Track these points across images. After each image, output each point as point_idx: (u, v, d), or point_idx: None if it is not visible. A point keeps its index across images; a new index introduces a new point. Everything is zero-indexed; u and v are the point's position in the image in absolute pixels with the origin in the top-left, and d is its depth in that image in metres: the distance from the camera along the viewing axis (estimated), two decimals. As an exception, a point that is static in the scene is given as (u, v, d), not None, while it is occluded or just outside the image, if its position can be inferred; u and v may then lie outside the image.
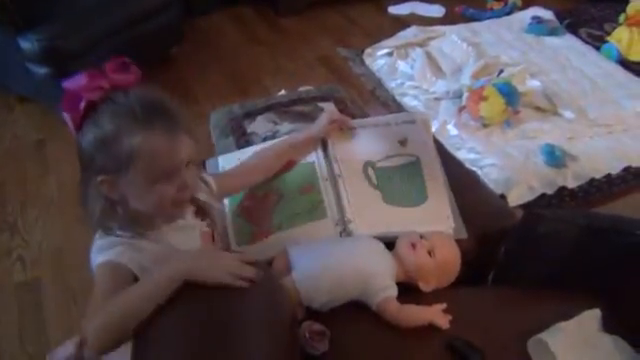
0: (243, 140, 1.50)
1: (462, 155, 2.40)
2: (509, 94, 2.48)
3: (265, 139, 1.51)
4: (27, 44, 2.27)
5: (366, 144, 1.43)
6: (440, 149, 1.50)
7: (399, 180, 1.38)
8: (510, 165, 2.34)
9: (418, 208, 1.35)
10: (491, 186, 2.23)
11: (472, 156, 2.40)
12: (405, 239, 1.21)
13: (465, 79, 2.72)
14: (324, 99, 1.62)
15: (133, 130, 0.93)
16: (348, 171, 1.38)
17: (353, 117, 1.59)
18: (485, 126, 2.53)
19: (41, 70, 2.35)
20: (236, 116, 1.58)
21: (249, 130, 1.53)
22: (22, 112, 2.60)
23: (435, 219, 1.34)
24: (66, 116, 0.97)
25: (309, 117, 1.56)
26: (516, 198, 2.22)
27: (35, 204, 2.17)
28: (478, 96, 2.50)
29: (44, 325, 1.76)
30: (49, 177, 2.29)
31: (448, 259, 1.22)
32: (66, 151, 2.40)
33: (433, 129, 2.51)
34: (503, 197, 2.21)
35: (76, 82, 0.96)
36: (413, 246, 1.19)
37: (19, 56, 2.32)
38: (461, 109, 2.58)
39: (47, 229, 2.07)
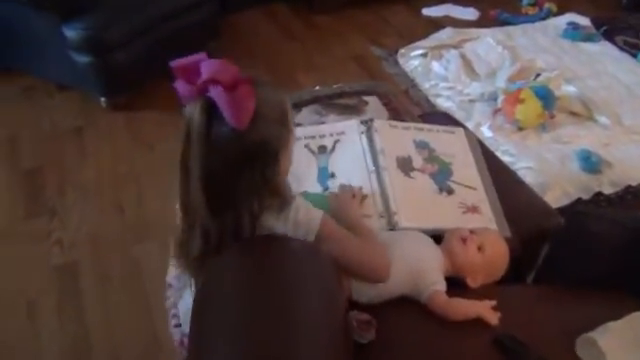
0: (288, 130, 1.51)
1: (496, 157, 2.39)
2: (546, 97, 2.46)
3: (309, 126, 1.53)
4: (71, 32, 2.32)
5: (409, 141, 1.44)
6: (486, 152, 1.51)
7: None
8: (545, 169, 2.32)
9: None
10: (526, 189, 2.24)
11: (506, 159, 2.37)
12: (455, 233, 1.21)
13: (500, 82, 2.71)
14: (368, 93, 1.63)
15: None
16: (393, 164, 1.39)
17: (397, 112, 1.60)
18: (520, 129, 2.52)
19: (83, 59, 2.40)
20: (281, 107, 1.59)
21: (294, 121, 1.54)
22: (61, 99, 2.65)
23: (479, 220, 1.34)
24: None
25: (354, 110, 1.57)
26: (551, 202, 2.18)
27: (73, 189, 2.21)
28: (514, 98, 2.49)
29: (82, 308, 1.79)
30: (87, 163, 2.32)
31: (497, 256, 1.22)
32: (103, 139, 2.45)
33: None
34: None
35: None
36: (463, 241, 1.19)
37: (62, 44, 2.37)
38: (496, 111, 2.58)
39: (85, 213, 2.11)
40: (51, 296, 1.82)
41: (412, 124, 1.51)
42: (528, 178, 2.25)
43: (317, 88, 2.60)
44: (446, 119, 1.79)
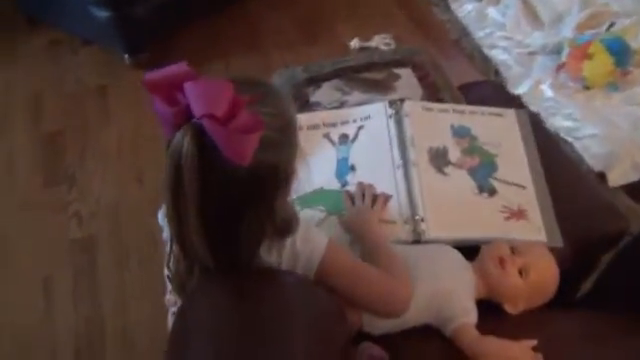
0: (305, 111, 1.31)
1: (557, 122, 2.10)
2: (620, 52, 2.12)
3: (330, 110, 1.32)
4: (88, -15, 2.14)
5: (446, 128, 1.21)
6: (543, 139, 1.26)
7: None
8: (614, 136, 2.02)
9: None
10: (589, 162, 1.96)
11: (569, 124, 2.09)
12: (493, 252, 1.01)
13: (567, 31, 2.36)
14: (401, 64, 1.39)
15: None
16: (424, 157, 1.18)
17: (435, 87, 1.36)
18: (586, 88, 2.19)
19: (102, 13, 2.23)
20: (299, 81, 1.38)
21: (312, 99, 1.33)
22: (86, 55, 2.50)
23: (525, 229, 1.12)
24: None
25: (382, 86, 1.34)
26: (618, 177, 1.92)
27: (94, 155, 2.10)
28: (582, 53, 2.15)
29: (97, 287, 1.72)
30: (109, 127, 2.20)
31: (543, 281, 1.02)
32: (127, 100, 2.32)
33: (524, 89, 2.28)
34: (602, 176, 1.92)
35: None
36: (502, 263, 0.99)
37: (81, -2, 2.21)
38: (559, 67, 2.25)
39: (105, 183, 2.01)
40: (67, 274, 1.75)
41: (451, 105, 1.27)
42: (593, 148, 2.00)
43: (355, 41, 2.38)
44: (493, 89, 1.55)
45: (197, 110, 0.72)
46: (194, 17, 2.52)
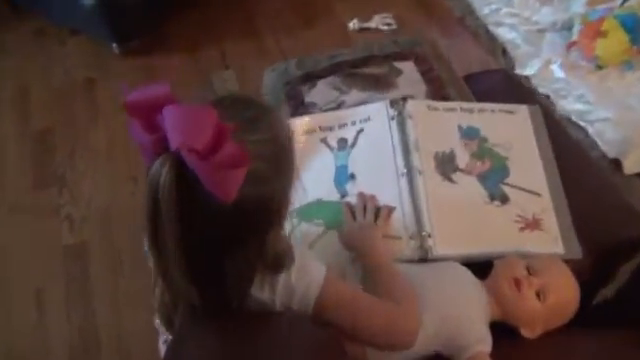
0: (300, 112, 1.22)
1: (568, 105, 2.00)
2: (635, 29, 1.99)
3: (326, 112, 1.22)
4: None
5: (453, 129, 1.12)
6: (555, 133, 1.16)
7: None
8: (629, 120, 1.91)
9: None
10: (603, 148, 1.86)
11: (580, 107, 1.98)
12: (507, 272, 0.93)
13: (578, 6, 2.22)
14: (402, 57, 1.28)
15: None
16: (430, 163, 1.09)
17: (440, 81, 1.26)
18: (599, 68, 2.07)
19: (87, 1, 2.11)
20: (293, 79, 1.28)
21: (307, 99, 1.23)
22: (73, 46, 2.39)
23: (541, 240, 1.03)
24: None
25: (383, 83, 1.24)
26: (634, 164, 1.83)
27: (84, 154, 2.02)
28: (594, 30, 2.03)
29: (90, 295, 1.65)
30: (99, 123, 2.11)
31: (562, 303, 0.93)
32: (117, 92, 2.20)
33: (533, 70, 2.16)
34: (617, 163, 1.83)
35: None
36: (518, 285, 0.91)
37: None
38: (570, 45, 2.13)
39: (96, 183, 1.93)
40: (60, 283, 1.68)
41: (458, 104, 1.17)
42: (607, 133, 1.89)
43: (354, 22, 2.26)
44: (502, 79, 1.44)
45: (174, 141, 0.63)
46: (185, 2, 2.40)
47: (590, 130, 1.92)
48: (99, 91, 2.22)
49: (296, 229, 1.08)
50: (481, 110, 1.16)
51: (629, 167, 1.81)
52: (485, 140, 1.13)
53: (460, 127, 1.14)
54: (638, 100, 1.97)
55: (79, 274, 1.70)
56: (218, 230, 0.70)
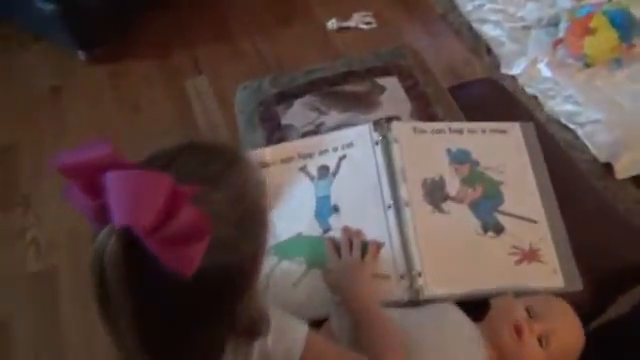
0: (276, 136, 1.12)
1: (557, 106, 1.93)
2: (624, 26, 1.92)
3: (304, 135, 1.12)
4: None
5: (442, 153, 1.03)
6: (551, 153, 1.08)
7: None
8: (620, 121, 1.85)
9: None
10: (594, 152, 1.80)
11: (569, 108, 1.92)
12: (506, 317, 0.85)
13: (565, 2, 2.16)
14: (385, 72, 1.19)
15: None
16: (418, 193, 1.00)
17: (426, 98, 1.18)
18: (587, 66, 2.00)
19: (47, 6, 1.98)
20: (267, 98, 1.18)
21: (284, 121, 1.13)
22: (38, 53, 2.25)
23: (539, 273, 0.96)
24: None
25: (365, 102, 1.15)
26: (626, 168, 1.77)
27: (50, 172, 1.89)
28: (583, 28, 1.96)
29: (60, 327, 1.55)
30: (66, 137, 1.99)
31: (566, 348, 0.86)
32: (84, 101, 2.11)
33: (520, 69, 2.08)
34: (609, 167, 1.76)
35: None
36: (518, 331, 0.83)
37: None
38: (557, 42, 2.05)
39: (63, 203, 1.80)
40: (28, 315, 1.57)
41: (446, 124, 1.09)
42: (597, 136, 1.83)
43: (332, 22, 2.15)
44: (489, 88, 1.36)
45: (118, 217, 0.53)
46: (154, 5, 2.27)
47: (580, 132, 1.85)
48: (65, 101, 2.10)
49: (276, 268, 1.00)
50: (471, 131, 1.08)
51: (621, 171, 1.75)
52: (476, 164, 1.05)
53: (449, 150, 1.05)
54: (628, 99, 1.91)
55: (48, 304, 1.59)
56: (178, 305, 0.60)
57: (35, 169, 1.91)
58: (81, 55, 2.17)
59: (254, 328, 0.68)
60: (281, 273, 0.99)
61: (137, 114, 2.04)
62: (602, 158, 1.78)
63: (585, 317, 0.95)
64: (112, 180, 0.54)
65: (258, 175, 0.66)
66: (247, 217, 0.62)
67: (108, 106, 2.07)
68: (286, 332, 0.72)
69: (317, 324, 0.93)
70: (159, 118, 2.01)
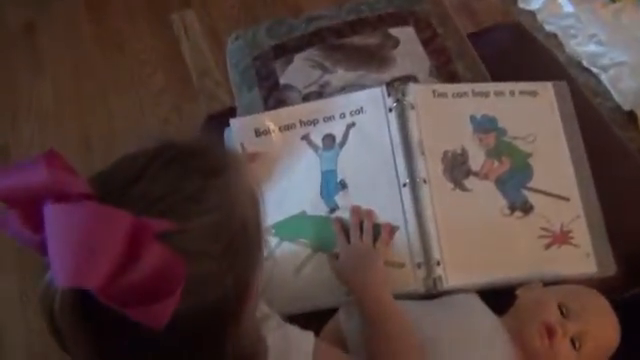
0: (275, 97, 0.98)
1: (579, 46, 1.78)
2: (658, -46, 1.73)
3: (306, 98, 0.98)
4: None
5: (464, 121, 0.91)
6: (585, 117, 0.96)
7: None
8: (647, 63, 1.70)
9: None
10: (618, 99, 1.66)
11: (592, 48, 1.76)
12: (537, 315, 0.76)
13: None
14: (399, 21, 1.02)
15: None
16: (437, 168, 0.88)
17: (446, 53, 1.03)
18: (613, 1, 1.82)
19: None
20: (264, 51, 1.03)
21: (283, 80, 0.99)
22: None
23: (570, 258, 0.86)
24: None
25: (376, 58, 1.00)
26: (652, 123, 1.63)
27: (29, 117, 1.76)
28: (611, -44, 1.76)
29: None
30: (43, 79, 1.83)
31: (601, 349, 0.77)
32: (61, 39, 1.93)
33: (538, 3, 1.91)
34: (632, 115, 1.63)
35: None
36: (550, 333, 0.74)
37: None
38: (581, -27, 1.86)
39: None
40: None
41: (470, 86, 0.95)
42: (622, 81, 1.68)
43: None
44: (512, 35, 1.20)
45: (59, 277, 0.40)
46: None
47: (603, 77, 1.71)
48: (40, 38, 1.92)
49: (276, 250, 0.90)
50: (498, 93, 0.94)
51: (645, 120, 1.63)
52: (503, 132, 0.92)
53: (473, 117, 0.92)
54: (656, 39, 1.75)
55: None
56: (153, 356, 0.49)
57: (12, 116, 1.77)
58: (55, -15, 1.97)
59: (249, 357, 0.58)
60: (282, 255, 0.89)
61: (120, 54, 1.87)
62: (626, 106, 1.65)
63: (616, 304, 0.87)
64: (52, 219, 0.41)
65: (249, 185, 0.53)
66: (235, 244, 0.49)
67: (87, 46, 1.90)
68: (288, 348, 0.63)
69: (322, 314, 0.85)
70: (145, 59, 1.85)
